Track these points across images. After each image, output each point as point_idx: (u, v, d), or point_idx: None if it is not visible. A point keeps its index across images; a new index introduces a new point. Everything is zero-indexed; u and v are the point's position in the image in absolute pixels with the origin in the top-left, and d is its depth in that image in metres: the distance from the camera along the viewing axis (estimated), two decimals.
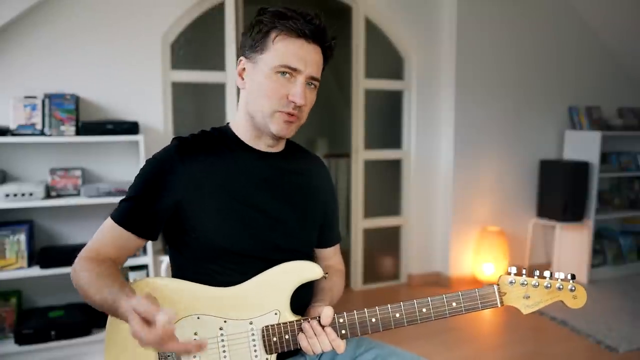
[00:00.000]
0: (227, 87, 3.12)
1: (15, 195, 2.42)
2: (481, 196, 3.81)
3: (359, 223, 3.69)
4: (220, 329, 1.05)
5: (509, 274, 1.09)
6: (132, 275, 2.61)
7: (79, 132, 2.59)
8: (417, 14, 3.61)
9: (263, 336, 1.06)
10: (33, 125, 2.52)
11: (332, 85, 4.58)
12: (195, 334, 1.04)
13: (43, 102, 2.53)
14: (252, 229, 1.13)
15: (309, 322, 1.05)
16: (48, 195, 2.57)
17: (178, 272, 1.17)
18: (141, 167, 1.13)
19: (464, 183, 3.72)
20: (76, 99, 2.61)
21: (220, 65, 3.09)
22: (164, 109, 2.96)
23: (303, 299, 1.15)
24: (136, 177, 1.12)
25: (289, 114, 1.10)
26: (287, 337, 1.06)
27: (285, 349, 1.07)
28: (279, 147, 1.21)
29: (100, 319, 2.45)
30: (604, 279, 3.88)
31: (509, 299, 1.09)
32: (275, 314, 1.07)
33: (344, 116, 3.81)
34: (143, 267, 2.63)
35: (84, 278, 1.01)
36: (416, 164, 3.74)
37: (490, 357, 2.73)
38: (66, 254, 2.55)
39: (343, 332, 1.06)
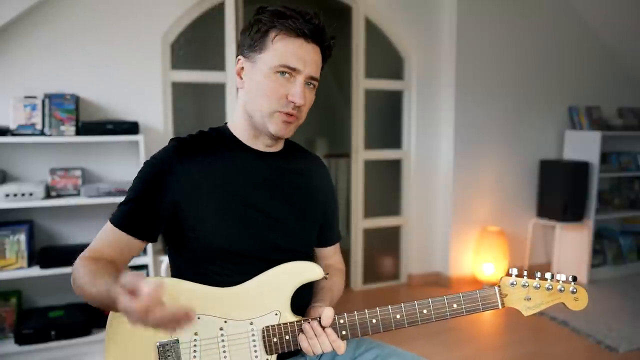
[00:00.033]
0: (227, 87, 3.12)
1: (15, 195, 2.42)
2: (481, 196, 3.81)
3: (359, 223, 3.69)
4: (221, 329, 1.05)
5: (510, 275, 1.09)
6: None
7: (79, 132, 2.59)
8: (417, 14, 3.61)
9: (263, 337, 1.06)
10: (33, 125, 2.52)
11: (332, 85, 4.58)
12: (196, 334, 1.04)
13: (43, 102, 2.53)
14: (251, 228, 1.12)
15: (309, 322, 1.05)
16: (48, 195, 2.57)
17: (177, 273, 1.17)
18: (139, 169, 1.13)
19: (464, 183, 3.72)
20: (76, 99, 2.61)
21: (220, 65, 3.09)
22: (164, 109, 2.96)
23: (303, 299, 1.15)
24: (135, 179, 1.11)
25: (288, 114, 1.10)
26: (287, 337, 1.06)
27: (286, 350, 1.06)
28: (278, 147, 1.21)
29: (100, 319, 2.46)
30: (604, 279, 3.88)
31: (510, 301, 1.09)
32: (276, 314, 1.07)
33: (344, 116, 3.81)
34: (143, 267, 2.63)
35: (81, 275, 1.01)
36: (416, 164, 3.74)
37: (491, 357, 2.73)
38: (66, 254, 2.54)
39: (343, 332, 1.06)
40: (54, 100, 2.54)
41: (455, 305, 1.08)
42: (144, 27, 2.85)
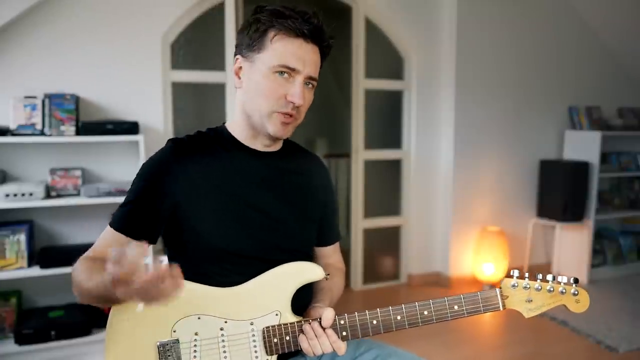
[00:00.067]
0: (227, 87, 3.11)
1: (15, 195, 2.42)
2: (481, 196, 3.81)
3: (359, 223, 3.69)
4: (221, 329, 1.05)
5: (512, 277, 1.09)
6: None
7: (79, 132, 2.59)
8: (417, 14, 3.61)
9: (264, 337, 1.06)
10: (33, 125, 2.52)
11: (332, 85, 4.58)
12: (196, 334, 1.04)
13: (43, 102, 2.53)
14: (250, 228, 1.12)
15: (310, 323, 1.05)
16: (48, 195, 2.57)
17: None
18: (138, 171, 1.12)
19: (464, 183, 3.72)
20: (76, 99, 2.61)
21: (220, 65, 3.09)
22: (164, 109, 2.96)
23: (303, 299, 1.15)
24: (133, 181, 1.11)
25: (286, 114, 1.09)
26: (287, 338, 1.06)
27: (286, 350, 1.06)
28: (276, 147, 1.21)
29: (100, 319, 2.46)
30: (604, 279, 3.88)
31: (511, 303, 1.09)
32: (276, 314, 1.07)
33: (344, 116, 3.81)
34: None
35: (79, 272, 1.01)
36: (416, 164, 3.74)
37: (491, 357, 2.73)
38: (66, 254, 2.54)
39: (344, 333, 1.06)
40: (54, 100, 2.54)
41: (456, 307, 1.08)
42: (144, 27, 2.85)
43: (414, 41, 3.62)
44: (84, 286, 0.98)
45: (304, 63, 1.08)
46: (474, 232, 3.79)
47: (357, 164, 3.63)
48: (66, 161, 2.73)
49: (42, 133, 2.54)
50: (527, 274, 1.10)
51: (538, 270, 4.19)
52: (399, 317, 1.07)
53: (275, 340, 1.06)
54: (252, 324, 1.06)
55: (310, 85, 1.12)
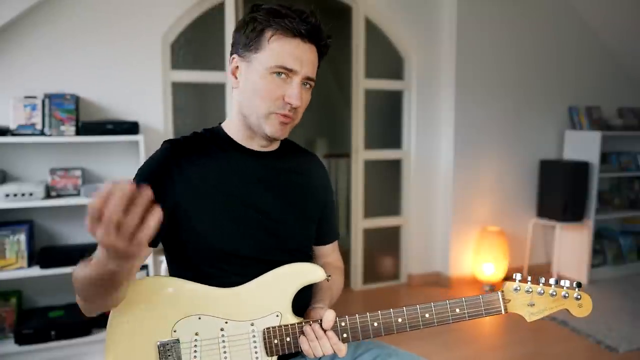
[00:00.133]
0: (227, 87, 3.11)
1: (15, 195, 2.42)
2: (481, 196, 3.81)
3: (359, 223, 3.69)
4: (222, 329, 1.05)
5: (514, 280, 1.08)
6: None
7: (79, 132, 2.59)
8: (417, 14, 3.61)
9: (264, 338, 1.06)
10: (33, 125, 2.52)
11: (332, 85, 4.58)
12: (196, 334, 1.04)
13: (43, 102, 2.53)
14: (249, 228, 1.12)
15: (310, 325, 1.05)
16: (48, 195, 2.57)
17: (176, 276, 1.15)
18: (135, 173, 1.11)
19: (464, 183, 3.72)
20: (76, 99, 2.61)
21: (220, 65, 3.09)
22: (164, 109, 2.96)
23: (304, 299, 1.15)
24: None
25: (284, 115, 1.08)
26: (288, 339, 1.06)
27: (287, 351, 1.06)
28: (273, 147, 1.20)
29: (101, 319, 2.46)
30: (604, 279, 3.88)
31: (513, 306, 1.08)
32: (277, 316, 1.07)
33: (344, 116, 3.81)
34: (143, 267, 2.63)
35: (77, 270, 0.95)
36: (416, 164, 3.74)
37: (491, 357, 2.73)
38: (66, 254, 2.54)
39: (344, 335, 1.06)
40: (54, 100, 2.54)
41: (457, 310, 1.07)
42: (144, 27, 2.85)
43: (414, 41, 3.62)
44: (81, 277, 0.93)
45: (301, 63, 1.07)
46: (474, 232, 3.79)
47: (357, 164, 3.63)
48: (66, 161, 2.72)
49: (42, 133, 2.54)
50: (529, 278, 1.09)
51: (538, 270, 4.18)
52: (400, 320, 1.07)
53: (276, 341, 1.06)
54: (252, 324, 1.06)
55: (307, 86, 1.11)
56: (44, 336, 2.47)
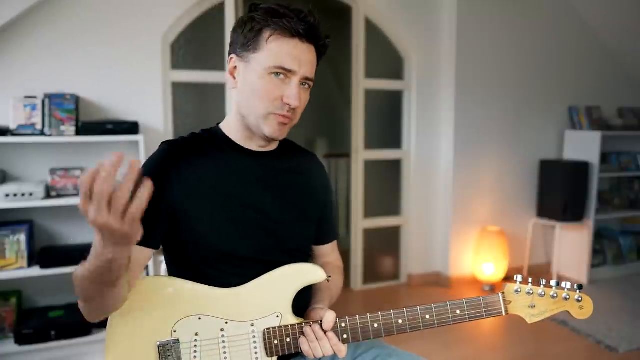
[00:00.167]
0: (227, 87, 3.11)
1: (15, 195, 2.42)
2: (481, 196, 3.81)
3: (359, 223, 3.69)
4: (222, 330, 1.05)
5: (515, 282, 1.08)
6: None
7: (79, 132, 2.59)
8: (417, 14, 3.61)
9: (264, 338, 1.06)
10: (33, 125, 2.52)
11: (332, 85, 4.58)
12: (197, 334, 1.04)
13: (43, 102, 2.53)
14: (247, 229, 1.12)
15: (310, 326, 1.05)
16: (48, 195, 2.57)
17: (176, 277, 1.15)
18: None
19: (464, 183, 3.72)
20: (76, 99, 2.61)
21: (220, 65, 3.09)
22: (164, 109, 2.96)
23: (304, 300, 1.15)
24: None
25: (283, 116, 1.08)
26: (288, 340, 1.06)
27: (287, 352, 1.06)
28: (272, 147, 1.20)
29: None
30: (604, 279, 3.88)
31: (514, 308, 1.08)
32: (277, 316, 1.07)
33: (344, 116, 3.81)
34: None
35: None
36: (416, 164, 3.74)
37: (491, 357, 2.73)
38: (66, 254, 2.54)
39: (345, 336, 1.06)
40: (54, 100, 2.54)
41: (458, 312, 1.07)
42: (144, 27, 2.85)
43: (414, 41, 3.62)
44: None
45: (299, 64, 1.06)
46: (474, 232, 3.79)
47: (357, 164, 3.63)
48: (66, 161, 2.72)
49: (42, 133, 2.54)
50: (530, 280, 1.09)
51: (538, 270, 4.18)
52: (400, 321, 1.07)
53: (276, 341, 1.06)
54: (252, 325, 1.06)
55: (306, 86, 1.11)
56: (44, 336, 2.47)
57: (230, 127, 1.17)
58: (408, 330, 1.07)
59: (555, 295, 1.07)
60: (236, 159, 1.14)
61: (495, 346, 2.86)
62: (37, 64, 2.66)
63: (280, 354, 1.06)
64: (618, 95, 4.22)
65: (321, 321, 1.05)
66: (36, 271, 2.48)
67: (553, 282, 1.08)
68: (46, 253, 2.55)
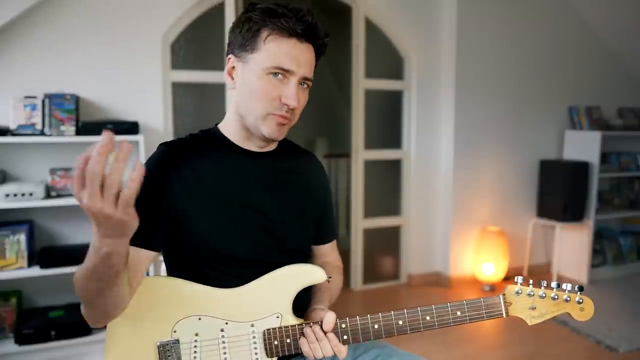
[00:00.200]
0: (227, 87, 3.11)
1: (15, 195, 2.42)
2: (481, 196, 3.81)
3: (359, 223, 3.69)
4: (222, 330, 1.05)
5: (516, 283, 1.08)
6: None
7: (79, 132, 2.59)
8: (417, 14, 3.61)
9: (264, 339, 1.05)
10: (33, 125, 2.52)
11: (332, 85, 4.58)
12: (197, 334, 1.04)
13: (43, 102, 2.53)
14: (247, 229, 1.11)
15: (311, 326, 1.05)
16: (48, 195, 2.57)
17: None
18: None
19: (464, 183, 3.72)
20: (76, 99, 2.61)
21: (220, 65, 3.09)
22: (164, 109, 2.96)
23: (304, 300, 1.14)
24: None
25: (281, 116, 1.07)
26: (288, 341, 1.06)
27: (287, 353, 1.06)
28: (271, 147, 1.19)
29: None
30: (604, 279, 3.89)
31: (514, 310, 1.08)
32: (277, 317, 1.07)
33: (344, 116, 3.81)
34: None
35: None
36: (416, 164, 3.74)
37: (491, 356, 2.73)
38: (66, 254, 2.55)
39: (345, 337, 1.06)
40: (54, 100, 2.54)
41: (459, 313, 1.07)
42: (144, 27, 2.85)
43: (414, 41, 3.62)
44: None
45: (298, 64, 1.05)
46: (474, 232, 3.79)
47: (357, 164, 3.63)
48: (66, 161, 2.72)
49: (42, 133, 2.54)
50: (531, 281, 1.09)
51: (538, 270, 4.17)
52: (400, 322, 1.07)
53: (276, 342, 1.05)
54: (252, 325, 1.06)
55: (305, 86, 1.10)
56: (44, 336, 2.47)
57: (229, 128, 1.16)
58: (408, 331, 1.07)
59: (556, 297, 1.07)
60: (234, 159, 1.14)
61: (495, 346, 2.86)
62: (37, 64, 2.66)
63: (280, 355, 1.06)
64: (618, 95, 4.22)
65: (321, 322, 1.05)
66: (36, 271, 2.48)
67: (554, 284, 1.07)
68: (46, 253, 2.55)
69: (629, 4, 3.72)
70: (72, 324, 2.53)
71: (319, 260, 1.32)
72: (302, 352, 1.05)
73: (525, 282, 1.09)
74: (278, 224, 1.15)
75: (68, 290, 2.59)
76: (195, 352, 1.03)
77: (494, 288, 3.65)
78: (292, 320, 1.07)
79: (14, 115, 2.50)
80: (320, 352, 1.03)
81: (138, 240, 1.01)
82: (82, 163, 0.74)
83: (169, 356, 1.02)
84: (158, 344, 1.02)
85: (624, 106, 4.20)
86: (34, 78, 2.65)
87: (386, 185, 3.86)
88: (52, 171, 2.61)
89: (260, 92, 1.05)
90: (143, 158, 2.58)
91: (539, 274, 3.97)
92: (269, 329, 1.06)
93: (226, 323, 1.05)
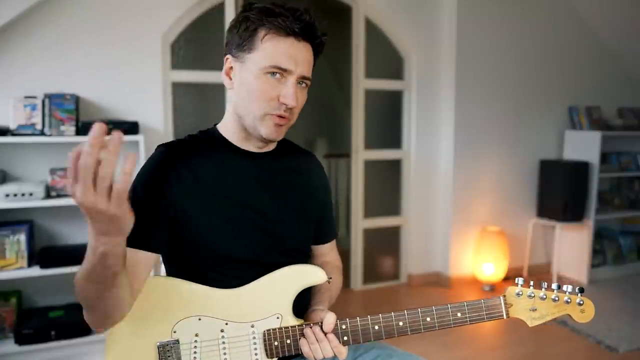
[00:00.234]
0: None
1: (15, 195, 2.42)
2: (481, 196, 3.81)
3: (359, 223, 3.69)
4: (222, 331, 1.05)
5: (516, 285, 1.08)
6: None
7: (79, 132, 2.59)
8: (417, 14, 3.61)
9: (264, 340, 1.05)
10: (33, 125, 2.52)
11: (332, 85, 4.58)
12: (196, 335, 1.04)
13: (43, 102, 2.53)
14: (246, 229, 1.11)
15: (311, 327, 1.05)
16: (48, 195, 2.57)
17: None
18: (133, 180, 1.07)
19: (464, 183, 3.72)
20: (76, 99, 2.61)
21: (220, 65, 3.03)
22: (164, 109, 2.96)
23: (304, 301, 1.14)
24: (130, 190, 1.06)
25: (280, 116, 1.07)
26: (288, 341, 1.06)
27: (287, 354, 1.06)
28: (270, 148, 1.19)
29: None
30: (604, 279, 3.89)
31: (515, 311, 1.08)
32: (277, 318, 1.07)
33: (344, 116, 3.81)
34: None
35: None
36: (416, 164, 3.74)
37: (490, 357, 2.73)
38: (66, 254, 2.55)
39: (345, 338, 1.06)
40: (54, 100, 2.54)
41: (459, 314, 1.07)
42: (144, 27, 2.85)
43: (414, 41, 3.62)
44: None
45: (296, 63, 1.05)
46: (474, 232, 3.79)
47: (357, 164, 3.63)
48: (66, 161, 2.70)
49: (42, 133, 2.54)
50: (532, 282, 1.09)
51: (538, 270, 4.17)
52: (401, 323, 1.07)
53: (276, 343, 1.05)
54: (253, 326, 1.06)
55: (303, 85, 1.10)
56: (44, 336, 2.47)
57: (227, 128, 1.16)
58: (409, 332, 1.07)
59: (557, 298, 1.07)
60: (233, 160, 1.14)
61: (495, 346, 2.86)
62: (37, 64, 2.66)
63: (280, 356, 1.06)
64: (618, 95, 4.22)
65: (321, 323, 1.05)
66: (36, 271, 2.48)
67: (554, 285, 1.07)
68: (46, 253, 2.55)
69: (629, 4, 3.72)
70: (72, 324, 2.52)
71: (318, 260, 1.32)
72: (302, 353, 1.05)
73: (526, 284, 1.08)
74: (277, 224, 1.15)
75: (68, 290, 2.59)
76: (195, 352, 1.03)
77: (494, 288, 3.65)
78: (292, 321, 1.07)
79: (14, 115, 2.50)
80: (320, 353, 1.03)
81: (136, 241, 1.01)
82: (74, 157, 0.74)
83: (168, 356, 1.02)
84: (158, 344, 1.02)
85: (624, 106, 4.20)
86: (34, 78, 2.65)
87: (386, 185, 3.86)
88: (52, 171, 2.61)
89: (258, 91, 1.05)
90: (143, 158, 2.57)
91: (539, 274, 3.97)
92: (269, 330, 1.06)
93: (226, 323, 1.05)
